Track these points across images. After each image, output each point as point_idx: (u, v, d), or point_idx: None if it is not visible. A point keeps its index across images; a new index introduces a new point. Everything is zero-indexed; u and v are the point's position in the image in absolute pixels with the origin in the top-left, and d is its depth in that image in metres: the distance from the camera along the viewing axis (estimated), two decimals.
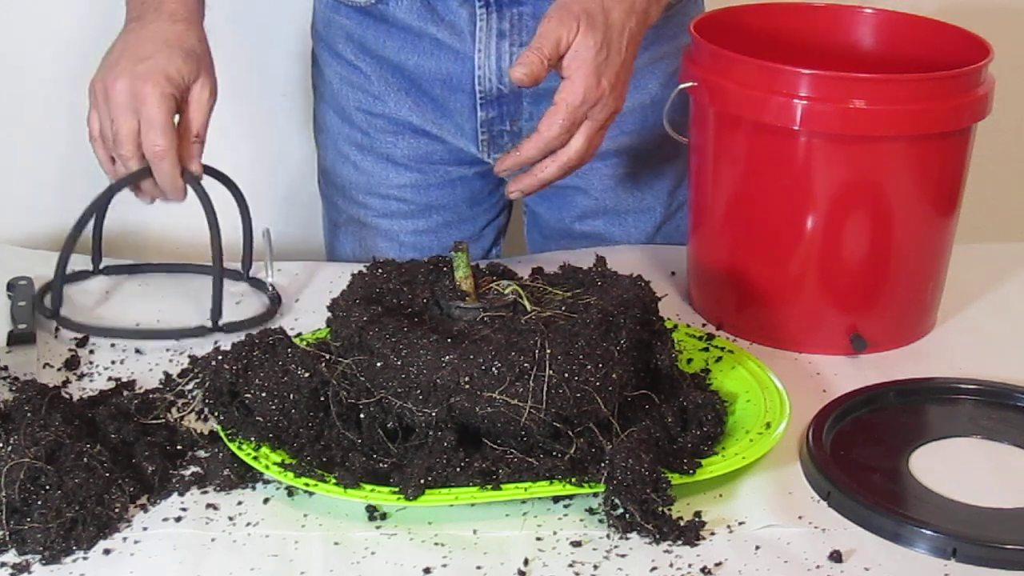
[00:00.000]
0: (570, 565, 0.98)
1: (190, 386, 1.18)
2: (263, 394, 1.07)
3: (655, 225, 1.55)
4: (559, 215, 1.57)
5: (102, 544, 0.99)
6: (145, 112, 1.26)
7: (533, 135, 1.25)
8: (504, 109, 1.46)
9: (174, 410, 1.15)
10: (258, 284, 1.40)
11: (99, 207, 1.33)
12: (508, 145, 1.48)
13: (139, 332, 1.26)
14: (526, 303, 1.10)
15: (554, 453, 1.04)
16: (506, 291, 1.11)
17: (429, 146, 1.51)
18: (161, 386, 1.19)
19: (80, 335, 1.28)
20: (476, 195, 1.57)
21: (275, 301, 1.35)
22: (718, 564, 0.98)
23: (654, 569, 0.98)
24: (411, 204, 1.54)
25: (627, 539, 1.00)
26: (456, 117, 1.48)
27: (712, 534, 1.01)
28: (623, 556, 0.99)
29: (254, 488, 1.06)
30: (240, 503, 1.04)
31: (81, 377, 1.21)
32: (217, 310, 1.28)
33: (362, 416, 1.06)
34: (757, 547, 1.00)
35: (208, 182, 1.33)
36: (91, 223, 1.35)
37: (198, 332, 1.27)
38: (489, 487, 1.02)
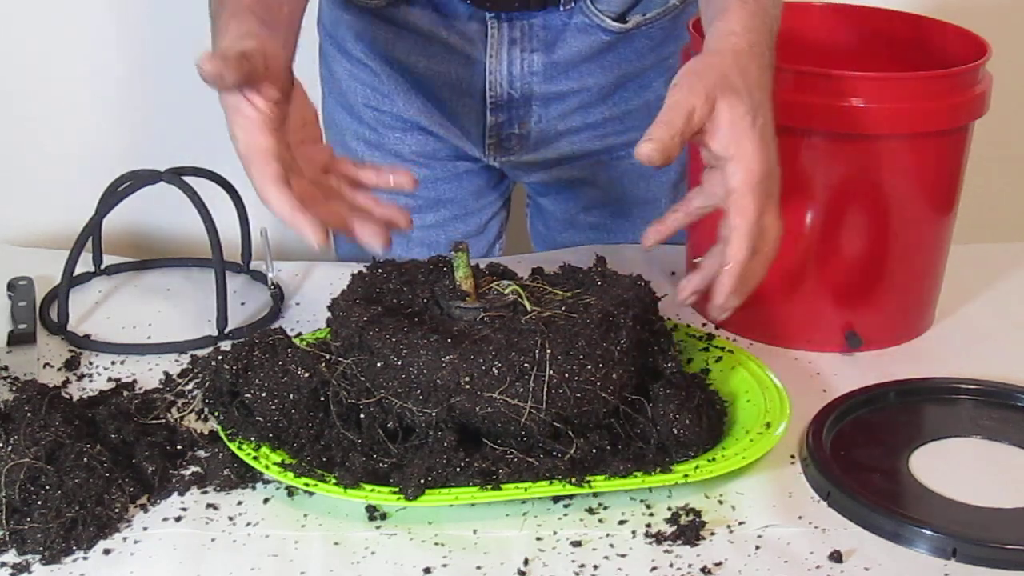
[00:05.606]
0: (570, 565, 0.98)
1: (190, 386, 1.18)
2: (263, 394, 1.07)
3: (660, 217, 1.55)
4: (565, 206, 1.57)
5: (102, 544, 0.99)
6: None
7: (733, 245, 1.03)
8: (514, 113, 1.47)
9: (174, 410, 1.15)
10: (258, 276, 1.40)
11: (102, 215, 1.32)
12: (516, 148, 1.49)
13: (147, 347, 1.26)
14: (526, 303, 1.10)
15: (554, 453, 1.04)
16: (506, 291, 1.11)
17: (436, 144, 1.52)
18: (161, 386, 1.19)
19: (81, 335, 1.28)
20: (482, 188, 1.58)
21: (277, 300, 1.35)
22: (718, 564, 0.98)
23: (654, 569, 0.98)
24: (419, 199, 1.54)
25: (627, 539, 1.00)
26: (463, 121, 1.49)
27: (712, 534, 1.01)
28: (623, 556, 0.99)
29: (254, 488, 1.06)
30: (240, 503, 1.04)
31: (81, 377, 1.21)
32: (223, 318, 1.28)
33: (362, 416, 1.06)
34: (757, 547, 1.00)
35: (206, 183, 1.33)
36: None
37: (205, 343, 1.27)
38: (489, 487, 1.02)
